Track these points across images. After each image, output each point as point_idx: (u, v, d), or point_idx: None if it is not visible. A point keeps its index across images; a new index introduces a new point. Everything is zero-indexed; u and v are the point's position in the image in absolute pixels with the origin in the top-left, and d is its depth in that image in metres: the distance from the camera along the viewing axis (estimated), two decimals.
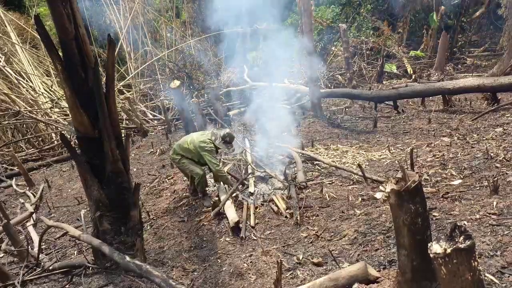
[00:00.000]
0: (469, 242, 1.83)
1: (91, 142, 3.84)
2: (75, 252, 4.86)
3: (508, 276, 2.75)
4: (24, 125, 11.64)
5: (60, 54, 3.58)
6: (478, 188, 4.40)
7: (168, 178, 6.87)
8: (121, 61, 14.75)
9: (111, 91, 3.87)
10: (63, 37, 3.47)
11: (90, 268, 4.07)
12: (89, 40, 3.86)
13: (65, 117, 11.65)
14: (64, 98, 11.79)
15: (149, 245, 4.82)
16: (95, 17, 14.78)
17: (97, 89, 3.67)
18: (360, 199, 4.87)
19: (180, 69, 13.46)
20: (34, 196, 7.19)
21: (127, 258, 3.51)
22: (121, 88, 13.75)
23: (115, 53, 4.37)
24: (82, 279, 3.92)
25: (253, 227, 4.75)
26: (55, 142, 11.18)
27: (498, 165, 4.84)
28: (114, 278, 3.84)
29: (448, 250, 1.85)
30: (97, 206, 3.96)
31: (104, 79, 4.01)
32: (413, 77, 12.52)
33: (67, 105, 11.12)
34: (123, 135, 4.15)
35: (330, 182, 5.60)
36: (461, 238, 1.87)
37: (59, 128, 10.95)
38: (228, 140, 5.48)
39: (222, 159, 6.88)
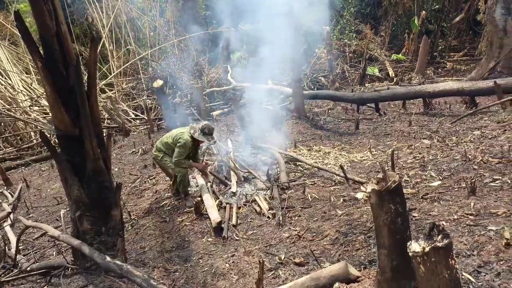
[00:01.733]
0: (446, 241, 1.87)
1: (72, 140, 3.78)
2: (54, 253, 4.77)
3: (484, 275, 2.82)
4: (2, 124, 11.36)
5: (41, 51, 3.52)
6: (456, 189, 4.50)
7: (150, 178, 6.81)
8: (104, 59, 14.53)
9: (93, 89, 3.82)
10: (44, 33, 3.41)
11: (70, 268, 4.00)
12: (71, 38, 3.80)
13: (45, 115, 11.43)
14: (44, 96, 11.58)
15: (130, 245, 4.77)
16: (77, 14, 14.56)
17: (79, 87, 3.62)
18: (341, 200, 4.93)
19: (164, 69, 13.36)
20: (12, 196, 7.03)
21: (108, 258, 3.46)
22: (103, 87, 13.57)
23: (97, 51, 4.32)
24: (61, 280, 3.85)
25: (235, 227, 4.75)
26: (34, 141, 10.96)
27: (475, 167, 4.96)
28: (94, 279, 3.78)
29: (427, 249, 1.89)
30: (77, 205, 3.89)
31: (86, 77, 3.96)
32: (394, 80, 12.72)
33: (47, 104, 10.95)
34: (104, 134, 4.10)
35: (312, 183, 5.64)
36: (439, 237, 1.92)
37: (38, 127, 10.73)
38: (207, 132, 5.33)
39: (205, 160, 6.86)
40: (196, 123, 5.54)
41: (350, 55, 14.42)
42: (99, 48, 13.34)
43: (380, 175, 2.54)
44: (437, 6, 14.93)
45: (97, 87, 13.05)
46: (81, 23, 14.62)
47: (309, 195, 5.19)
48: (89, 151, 3.78)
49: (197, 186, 5.88)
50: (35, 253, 4.85)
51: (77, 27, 14.51)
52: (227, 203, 5.24)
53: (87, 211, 3.91)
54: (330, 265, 3.43)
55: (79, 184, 3.82)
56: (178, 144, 5.30)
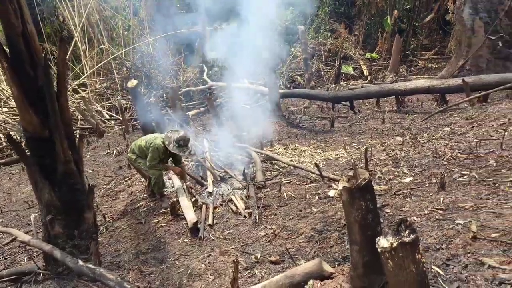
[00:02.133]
0: (413, 236, 1.93)
1: (42, 142, 3.69)
2: (25, 259, 4.65)
3: (452, 268, 2.91)
4: None
5: (7, 50, 3.42)
6: (427, 185, 4.61)
7: (125, 179, 6.71)
8: (76, 59, 14.21)
9: (63, 89, 3.74)
10: (9, 33, 3.32)
11: (41, 274, 3.91)
12: (41, 37, 3.70)
13: (14, 117, 11.09)
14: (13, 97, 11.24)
15: (104, 248, 4.69)
16: (47, 13, 14.17)
17: (48, 88, 3.54)
18: (317, 198, 4.98)
19: (138, 68, 13.18)
20: None
21: (80, 262, 3.40)
22: (76, 87, 13.27)
23: (67, 50, 4.23)
24: (32, 286, 3.76)
25: (211, 227, 4.74)
26: (4, 143, 10.62)
27: (445, 163, 5.09)
28: (66, 284, 3.71)
29: (394, 244, 1.94)
30: (48, 209, 3.81)
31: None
32: (368, 79, 12.94)
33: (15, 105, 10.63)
34: (76, 135, 4.02)
35: (288, 181, 5.68)
36: (406, 232, 1.97)
37: (7, 129, 10.40)
38: (182, 144, 5.25)
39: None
40: (171, 133, 5.35)
41: (325, 54, 14.58)
42: (71, 47, 13.06)
43: (351, 173, 2.58)
44: (408, 6, 15.28)
45: (70, 88, 12.83)
46: (52, 22, 14.25)
47: (285, 194, 5.22)
48: (59, 153, 3.70)
49: (173, 187, 5.84)
50: (5, 259, 4.72)
51: (47, 26, 14.13)
52: (203, 203, 5.22)
53: (59, 214, 3.83)
54: (305, 262, 3.46)
55: (50, 187, 3.74)
56: (150, 149, 5.26)
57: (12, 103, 11.49)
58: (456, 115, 7.32)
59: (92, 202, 4.09)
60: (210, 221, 4.83)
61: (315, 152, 6.88)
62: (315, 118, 9.55)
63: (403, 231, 1.98)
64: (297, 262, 3.65)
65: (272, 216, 4.75)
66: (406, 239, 1.92)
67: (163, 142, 5.27)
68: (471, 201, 3.83)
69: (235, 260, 3.00)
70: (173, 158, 5.65)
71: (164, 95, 12.00)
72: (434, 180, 4.54)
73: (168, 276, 3.88)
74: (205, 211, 5.03)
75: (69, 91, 12.69)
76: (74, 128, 10.46)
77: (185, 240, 4.57)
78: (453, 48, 12.50)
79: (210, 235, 4.58)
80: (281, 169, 6.21)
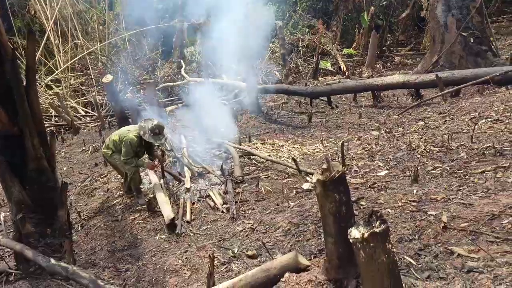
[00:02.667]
0: (383, 226, 1.96)
1: (11, 139, 3.59)
2: None
3: (424, 257, 2.98)
4: None
5: None
6: (401, 178, 4.71)
7: (101, 176, 6.60)
8: (49, 54, 13.83)
9: (32, 84, 3.64)
10: None
11: (13, 274, 3.81)
12: (11, 31, 3.59)
13: None
14: None
15: (80, 246, 4.62)
16: (18, 6, 13.74)
17: (16, 83, 3.44)
18: (294, 192, 5.01)
19: (114, 64, 12.94)
20: None
21: (52, 261, 3.33)
22: (50, 83, 12.93)
23: (36, 43, 4.11)
24: (4, 287, 3.66)
25: (189, 223, 4.72)
26: None
27: (419, 156, 5.20)
28: (39, 283, 3.63)
29: (366, 235, 1.97)
30: (18, 207, 3.71)
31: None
32: (346, 74, 13.07)
33: None
34: (50, 131, 3.92)
35: (266, 176, 5.70)
36: (377, 223, 2.00)
37: None
38: (157, 132, 5.16)
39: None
40: (145, 122, 5.28)
41: (303, 49, 14.63)
42: (43, 42, 12.72)
43: (325, 166, 2.61)
44: (385, 2, 15.48)
45: (43, 83, 12.50)
46: (22, 15, 13.82)
47: (262, 188, 5.24)
48: (30, 150, 3.61)
49: (150, 183, 5.77)
50: None
51: (18, 19, 13.70)
52: (180, 199, 5.19)
53: (30, 212, 3.74)
54: (281, 256, 3.49)
55: (20, 185, 3.64)
56: (123, 143, 5.14)
57: None
58: (430, 110, 7.49)
59: (65, 200, 4.01)
60: (187, 217, 4.81)
61: (293, 147, 6.91)
62: (293, 113, 9.60)
63: (374, 222, 2.01)
64: (274, 256, 3.67)
65: (250, 211, 4.76)
66: (377, 230, 1.96)
67: (137, 136, 5.17)
68: (442, 192, 3.92)
69: (211, 255, 3.00)
70: (147, 149, 5.56)
71: (141, 90, 11.83)
72: (408, 173, 4.64)
73: (144, 272, 3.85)
74: (182, 207, 5.00)
75: (42, 87, 12.37)
76: (48, 125, 10.27)
77: (162, 236, 4.54)
78: (427, 44, 12.76)
79: (188, 231, 4.55)
80: (259, 164, 6.22)
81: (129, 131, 5.24)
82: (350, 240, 2.04)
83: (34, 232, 3.75)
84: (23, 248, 3.56)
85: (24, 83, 3.58)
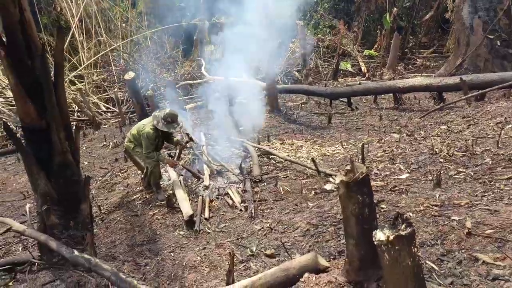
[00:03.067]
0: (409, 230, 1.94)
1: (38, 133, 3.66)
2: (20, 249, 4.64)
3: (447, 263, 2.93)
4: None
5: (4, 39, 3.39)
6: (423, 181, 4.64)
7: (122, 171, 6.70)
8: (73, 50, 14.10)
9: (60, 80, 3.71)
10: (6, 21, 3.27)
11: (36, 264, 3.89)
12: (38, 27, 3.67)
13: (10, 107, 11.02)
14: (9, 87, 11.14)
15: (100, 240, 4.69)
16: (44, 3, 14.05)
17: (45, 78, 3.50)
18: (313, 193, 4.99)
19: (136, 61, 13.11)
20: None
21: (76, 252, 3.40)
22: (73, 78, 13.19)
23: (65, 41, 4.20)
24: (27, 276, 3.74)
25: (207, 220, 4.75)
26: None
27: (441, 160, 5.12)
28: (61, 274, 3.69)
29: (391, 237, 1.95)
30: (44, 199, 3.78)
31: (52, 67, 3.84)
32: (366, 76, 12.94)
33: (12, 95, 10.54)
34: (73, 126, 4.00)
35: (284, 176, 5.69)
36: (403, 226, 1.98)
37: (3, 119, 10.33)
38: (170, 120, 5.17)
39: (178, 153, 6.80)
40: (158, 112, 5.33)
41: (323, 50, 14.55)
42: (68, 38, 12.96)
43: (349, 167, 2.59)
44: (408, 3, 15.26)
45: (67, 79, 12.74)
46: (49, 12, 14.13)
47: (281, 188, 5.23)
48: (56, 144, 3.67)
49: (169, 180, 5.83)
50: (0, 249, 4.70)
51: (44, 16, 14.02)
52: (199, 196, 5.22)
53: (55, 205, 3.80)
54: (300, 256, 3.48)
55: (46, 177, 3.72)
56: (142, 137, 5.20)
57: (8, 93, 11.42)
58: (453, 113, 7.36)
59: (88, 193, 4.08)
60: (206, 215, 4.84)
61: (312, 148, 6.88)
62: (313, 114, 9.56)
63: (400, 225, 1.99)
64: (292, 256, 3.67)
65: (268, 210, 4.76)
66: (403, 232, 1.93)
67: (152, 128, 5.18)
68: (466, 198, 3.85)
69: (231, 252, 3.01)
70: (166, 140, 5.61)
71: (162, 88, 11.95)
72: (430, 177, 4.57)
73: (163, 267, 3.89)
74: (201, 204, 5.03)
75: (66, 83, 12.61)
76: (70, 120, 10.45)
77: (181, 232, 4.58)
78: (452, 47, 12.53)
79: (206, 228, 4.58)
80: (277, 164, 6.21)
81: (145, 125, 5.29)
82: (375, 243, 2.02)
83: (58, 224, 3.82)
84: (48, 239, 3.63)
85: (52, 79, 3.65)
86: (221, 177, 5.80)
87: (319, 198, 4.83)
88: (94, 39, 14.00)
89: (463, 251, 3.00)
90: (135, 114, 10.53)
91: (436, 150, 5.43)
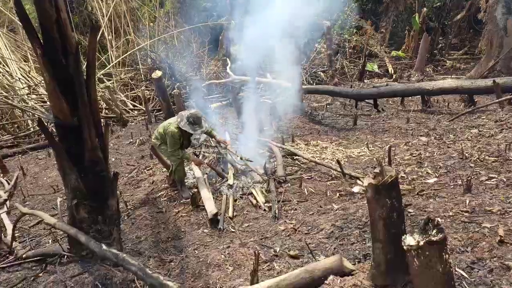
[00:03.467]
0: (441, 235, 1.89)
1: (70, 129, 3.76)
2: (50, 241, 4.78)
3: (477, 271, 2.85)
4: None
5: (40, 38, 3.49)
6: (452, 186, 4.52)
7: (147, 169, 6.81)
8: (102, 49, 14.44)
9: (92, 78, 3.80)
10: (43, 20, 3.38)
11: (65, 256, 4.01)
12: (70, 26, 3.77)
13: (42, 104, 11.37)
14: (42, 84, 11.50)
15: (126, 235, 4.78)
16: (76, 2, 14.44)
17: (78, 76, 3.60)
18: (338, 195, 4.95)
19: (163, 60, 13.30)
20: (8, 183, 7.02)
21: (104, 247, 3.47)
22: (102, 76, 13.50)
23: (97, 39, 4.30)
24: (57, 268, 3.86)
25: (231, 219, 4.77)
26: (32, 129, 10.91)
27: (472, 165, 4.99)
28: (89, 267, 3.79)
29: (421, 243, 1.91)
30: (74, 194, 3.89)
31: (84, 66, 3.94)
32: (393, 77, 12.72)
33: (44, 92, 10.88)
34: (102, 123, 4.09)
35: (309, 177, 5.66)
36: (434, 231, 1.94)
37: (36, 115, 10.68)
38: (192, 121, 5.22)
39: (202, 152, 6.86)
40: (186, 112, 5.45)
41: (349, 50, 14.40)
42: (98, 37, 13.26)
43: (377, 170, 2.55)
44: (438, 4, 14.93)
45: (96, 77, 13.04)
46: (80, 11, 14.51)
47: (305, 189, 5.20)
48: (87, 140, 3.77)
49: (194, 178, 5.89)
50: (31, 240, 4.86)
51: (76, 15, 14.41)
52: (223, 195, 5.26)
53: (84, 200, 3.90)
54: (324, 258, 3.45)
55: (77, 173, 3.82)
56: (167, 136, 5.30)
57: (41, 90, 11.79)
58: (484, 117, 7.14)
59: (115, 190, 4.16)
60: (230, 213, 4.86)
61: (337, 149, 6.82)
62: (338, 115, 9.47)
63: (431, 230, 1.94)
64: (316, 257, 3.64)
65: (292, 211, 4.75)
66: (434, 238, 1.89)
67: (177, 127, 5.26)
68: (498, 204, 3.73)
69: (256, 252, 3.01)
70: (188, 144, 5.69)
71: (188, 87, 12.08)
72: (460, 182, 4.46)
73: (187, 264, 3.93)
74: (225, 203, 5.06)
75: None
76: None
77: (205, 230, 4.62)
78: (484, 48, 12.15)
79: (230, 227, 4.61)
80: (302, 165, 6.19)
81: (170, 124, 5.37)
82: (404, 247, 1.98)
83: (87, 218, 3.92)
84: (77, 233, 3.73)
85: (84, 77, 3.75)
86: (245, 176, 5.83)
87: (344, 200, 4.78)
88: (123, 38, 14.29)
89: (494, 259, 2.91)
90: (161, 112, 10.68)
91: (466, 154, 5.29)
